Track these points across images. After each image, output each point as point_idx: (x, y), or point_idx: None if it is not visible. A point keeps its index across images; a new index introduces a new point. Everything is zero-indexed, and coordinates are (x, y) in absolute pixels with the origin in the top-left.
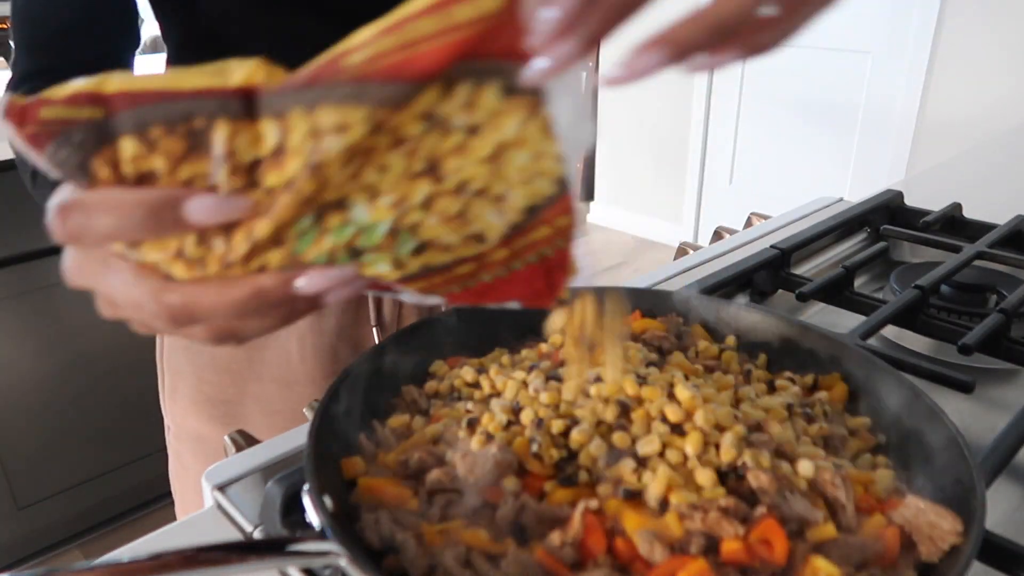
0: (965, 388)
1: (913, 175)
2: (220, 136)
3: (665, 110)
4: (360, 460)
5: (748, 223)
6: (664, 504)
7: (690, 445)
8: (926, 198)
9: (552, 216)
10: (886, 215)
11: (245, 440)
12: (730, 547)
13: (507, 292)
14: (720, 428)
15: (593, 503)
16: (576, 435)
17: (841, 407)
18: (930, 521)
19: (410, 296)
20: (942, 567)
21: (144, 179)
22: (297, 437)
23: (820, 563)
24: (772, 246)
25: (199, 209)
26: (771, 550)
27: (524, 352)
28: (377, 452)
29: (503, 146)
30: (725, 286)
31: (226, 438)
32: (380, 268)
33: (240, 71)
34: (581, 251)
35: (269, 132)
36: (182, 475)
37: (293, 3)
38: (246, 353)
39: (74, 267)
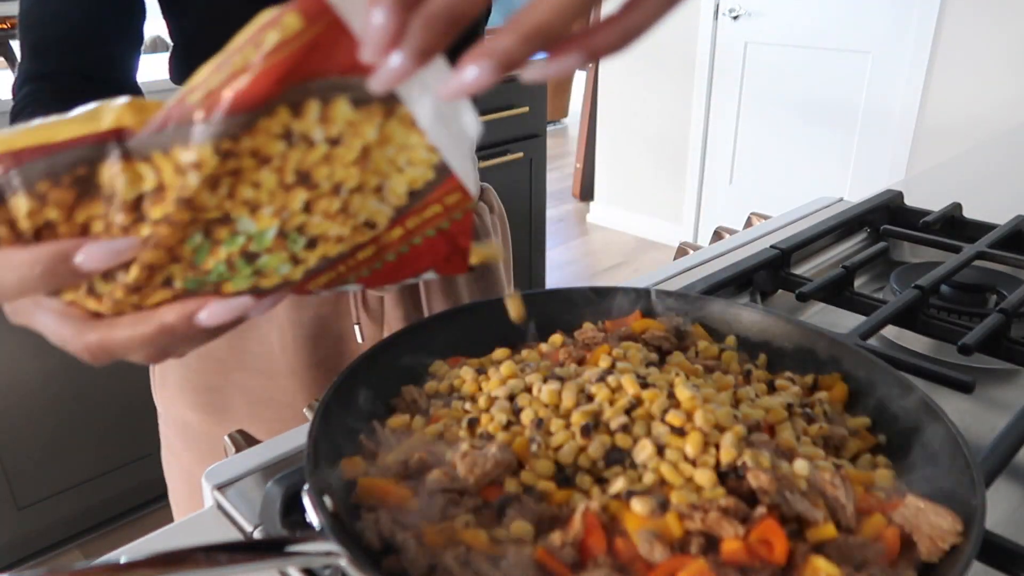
0: (965, 388)
1: (913, 175)
2: (103, 180)
3: (665, 110)
4: (360, 460)
5: (748, 223)
6: (664, 504)
7: (690, 445)
8: (926, 198)
9: (440, 196)
10: (886, 215)
11: (245, 440)
12: (730, 547)
13: (415, 265)
14: (720, 428)
15: (594, 504)
16: (567, 437)
17: (841, 407)
18: (930, 521)
19: (326, 291)
20: (942, 567)
21: (45, 230)
22: (297, 437)
23: (820, 563)
24: (772, 246)
25: (90, 258)
26: (771, 550)
27: (524, 352)
28: (377, 452)
29: (368, 148)
30: (725, 286)
31: (226, 438)
32: (282, 270)
33: (109, 115)
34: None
35: (145, 173)
36: (172, 461)
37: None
38: (229, 342)
39: (9, 308)
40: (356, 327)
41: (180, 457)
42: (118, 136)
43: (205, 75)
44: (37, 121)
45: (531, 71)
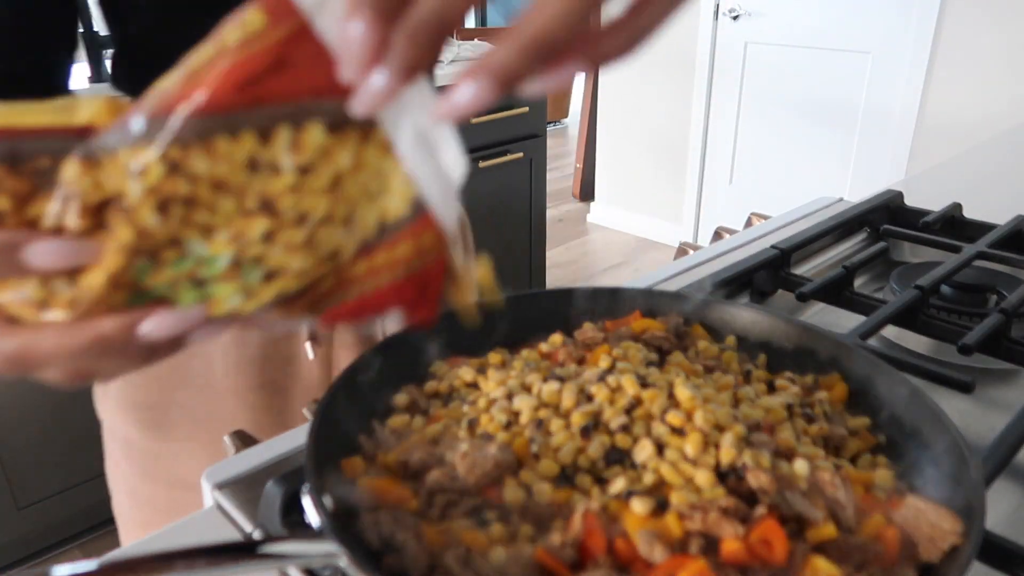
0: (965, 388)
1: (913, 175)
2: (65, 177)
3: (665, 110)
4: (360, 460)
5: (748, 223)
6: (664, 504)
7: (690, 445)
8: (926, 198)
9: (413, 233)
10: (886, 215)
11: (244, 440)
12: (730, 547)
13: (379, 306)
14: (720, 428)
15: (594, 504)
16: (567, 437)
17: (841, 407)
18: (930, 521)
19: (281, 324)
20: (942, 567)
21: None
22: (297, 437)
23: (820, 563)
24: (772, 246)
25: (42, 254)
26: (771, 550)
27: (524, 352)
28: (377, 452)
29: (340, 176)
30: (725, 286)
31: (226, 438)
32: (231, 301)
33: (86, 109)
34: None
35: (103, 178)
36: (116, 475)
37: (225, 8)
38: (172, 361)
39: None
40: (308, 344)
41: (123, 471)
42: (87, 134)
43: (168, 79)
44: None
45: (534, 85)
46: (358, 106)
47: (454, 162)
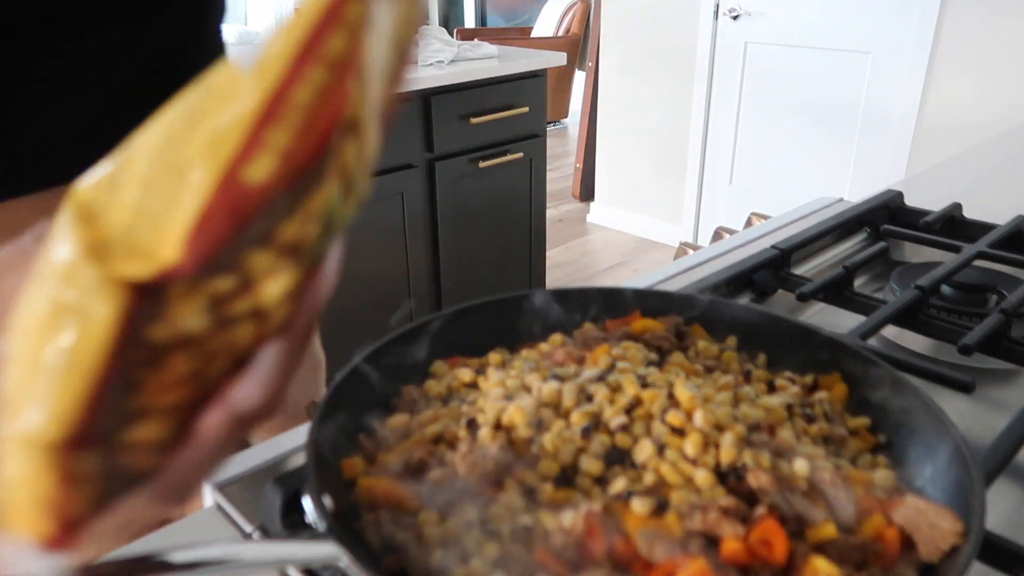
0: (965, 388)
1: (913, 175)
2: (172, 360)
3: (665, 110)
4: (360, 460)
5: (748, 223)
6: (664, 504)
7: (690, 445)
8: (926, 198)
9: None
10: (886, 215)
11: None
12: (730, 547)
13: None
14: (720, 428)
15: (596, 505)
16: (570, 437)
17: (841, 407)
18: (930, 521)
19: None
20: (942, 567)
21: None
22: (297, 437)
23: (820, 563)
24: (772, 246)
25: (248, 396)
26: (771, 550)
27: (524, 352)
28: (377, 452)
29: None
30: (725, 286)
31: None
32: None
33: (101, 302)
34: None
35: (222, 282)
36: None
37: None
38: None
39: None
40: None
41: None
42: (145, 296)
43: (243, 138)
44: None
45: None
46: None
47: None
